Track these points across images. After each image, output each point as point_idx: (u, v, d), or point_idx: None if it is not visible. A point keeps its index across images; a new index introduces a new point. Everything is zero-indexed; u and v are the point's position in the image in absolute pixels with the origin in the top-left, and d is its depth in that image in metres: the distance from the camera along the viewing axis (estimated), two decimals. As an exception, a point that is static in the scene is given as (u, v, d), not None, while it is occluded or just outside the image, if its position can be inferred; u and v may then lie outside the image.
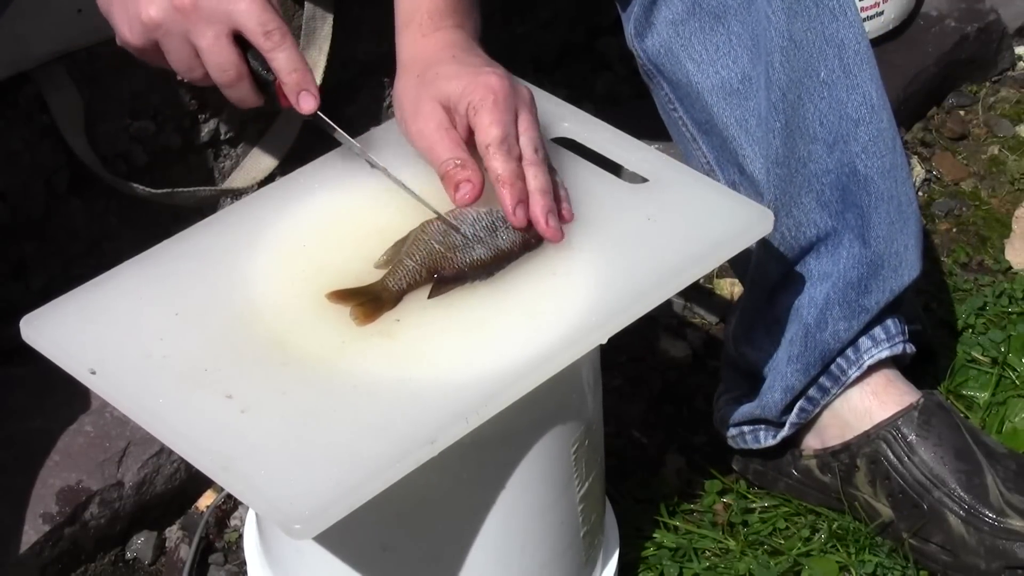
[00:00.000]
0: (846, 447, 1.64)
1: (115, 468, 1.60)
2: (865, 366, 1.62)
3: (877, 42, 2.16)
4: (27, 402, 1.62)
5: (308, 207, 1.40)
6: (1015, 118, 2.27)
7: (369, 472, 1.17)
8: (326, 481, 1.17)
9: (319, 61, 1.78)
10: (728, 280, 1.95)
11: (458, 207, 1.34)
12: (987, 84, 2.33)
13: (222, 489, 1.65)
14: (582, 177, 1.42)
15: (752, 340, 1.65)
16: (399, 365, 1.26)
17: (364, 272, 1.34)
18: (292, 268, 1.35)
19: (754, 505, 1.71)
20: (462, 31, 1.41)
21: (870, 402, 1.63)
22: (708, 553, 1.66)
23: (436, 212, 1.34)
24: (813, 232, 1.57)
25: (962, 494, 1.59)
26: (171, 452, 1.60)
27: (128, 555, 1.64)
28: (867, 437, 1.62)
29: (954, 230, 2.09)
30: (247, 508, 1.62)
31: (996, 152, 2.21)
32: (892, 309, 1.63)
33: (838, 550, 1.65)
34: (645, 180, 1.43)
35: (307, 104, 1.37)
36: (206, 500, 1.68)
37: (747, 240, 1.39)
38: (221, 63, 1.35)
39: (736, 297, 1.90)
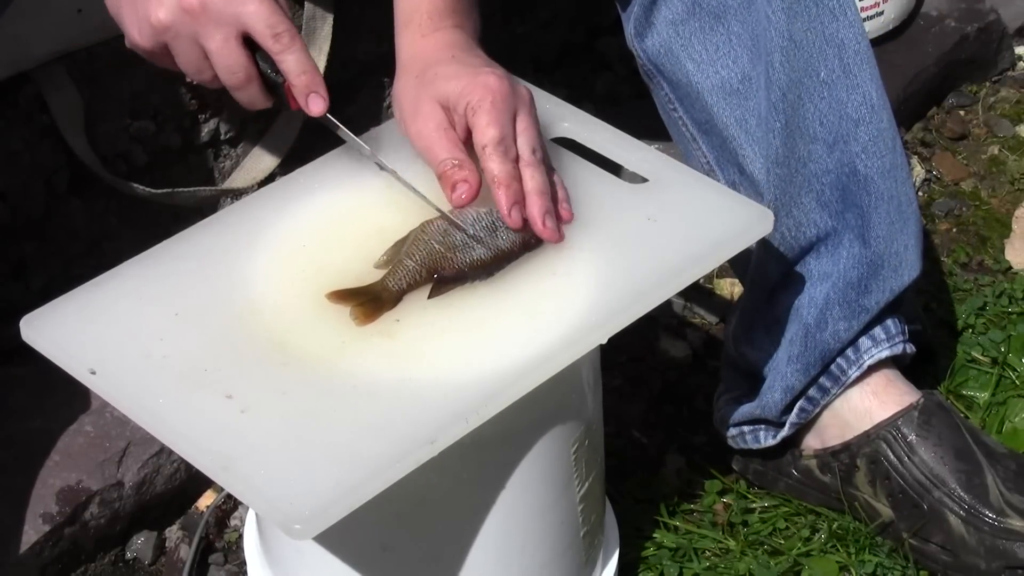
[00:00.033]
0: (846, 447, 1.64)
1: (115, 468, 1.60)
2: (865, 366, 1.62)
3: (877, 42, 2.16)
4: (27, 402, 1.62)
5: (308, 207, 1.40)
6: (1015, 118, 2.27)
7: (369, 472, 1.17)
8: (326, 481, 1.17)
9: (319, 61, 1.78)
10: (728, 280, 1.95)
11: (455, 208, 1.34)
12: (987, 84, 2.33)
13: (222, 489, 1.65)
14: (582, 177, 1.42)
15: (752, 340, 1.65)
16: (399, 365, 1.26)
17: (364, 272, 1.34)
18: (292, 268, 1.35)
19: (754, 505, 1.71)
20: (462, 31, 1.41)
21: (870, 402, 1.63)
22: (708, 553, 1.66)
23: (443, 214, 1.34)
24: (813, 232, 1.57)
25: (962, 494, 1.59)
26: (171, 452, 1.60)
27: (128, 555, 1.64)
28: (867, 437, 1.62)
29: (954, 230, 2.09)
30: (247, 508, 1.62)
31: (996, 152, 2.21)
32: (892, 309, 1.63)
33: (838, 550, 1.65)
34: (645, 180, 1.43)
35: (316, 106, 1.37)
36: (206, 500, 1.68)
37: (747, 240, 1.39)
38: (230, 65, 1.35)
39: (736, 297, 1.90)
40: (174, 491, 1.66)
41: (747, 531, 1.68)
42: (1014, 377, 1.83)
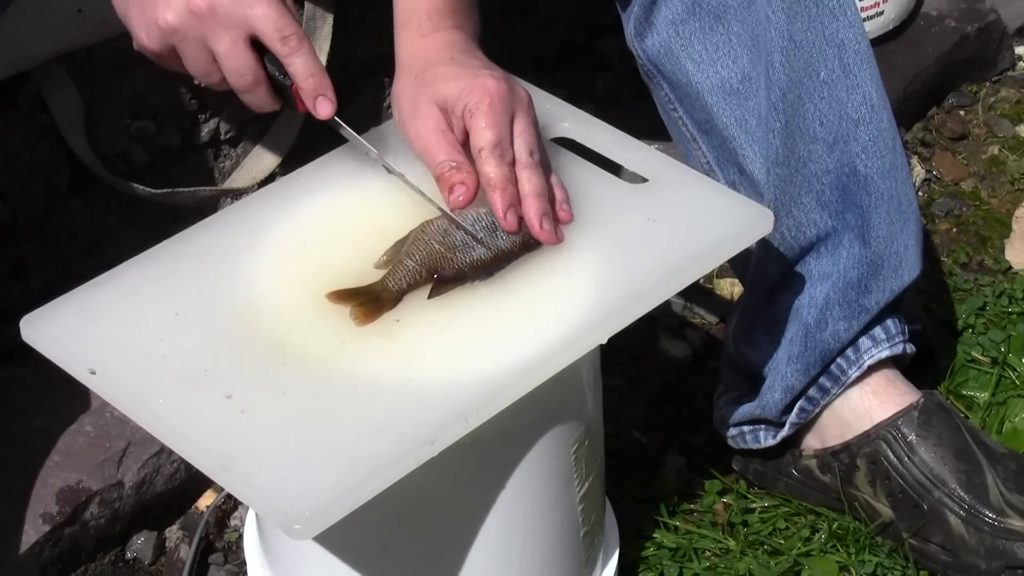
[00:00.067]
0: (846, 447, 1.64)
1: (115, 468, 1.60)
2: (865, 366, 1.62)
3: (877, 42, 2.16)
4: (27, 402, 1.62)
5: (308, 207, 1.40)
6: (1015, 118, 2.27)
7: (369, 472, 1.17)
8: (326, 481, 1.17)
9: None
10: (728, 280, 1.95)
11: (453, 210, 1.34)
12: (987, 84, 2.33)
13: (222, 489, 1.65)
14: (582, 177, 1.42)
15: (752, 340, 1.65)
16: (399, 365, 1.26)
17: (364, 272, 1.34)
18: (292, 268, 1.35)
19: (754, 505, 1.71)
20: (461, 32, 1.41)
21: (870, 402, 1.63)
22: (708, 553, 1.66)
23: (449, 216, 1.34)
24: (813, 232, 1.57)
25: (962, 494, 1.59)
26: (171, 452, 1.60)
27: (128, 555, 1.64)
28: (867, 437, 1.62)
29: (954, 230, 2.09)
30: (247, 508, 1.62)
31: (996, 152, 2.21)
32: (892, 309, 1.63)
33: (838, 550, 1.65)
34: (645, 180, 1.43)
35: (324, 109, 1.37)
36: (206, 500, 1.68)
37: (747, 240, 1.39)
38: (238, 68, 1.35)
39: (736, 297, 1.90)
40: (174, 491, 1.66)
41: (747, 531, 1.68)
42: (1014, 377, 1.83)
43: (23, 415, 1.61)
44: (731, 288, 1.95)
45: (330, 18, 1.80)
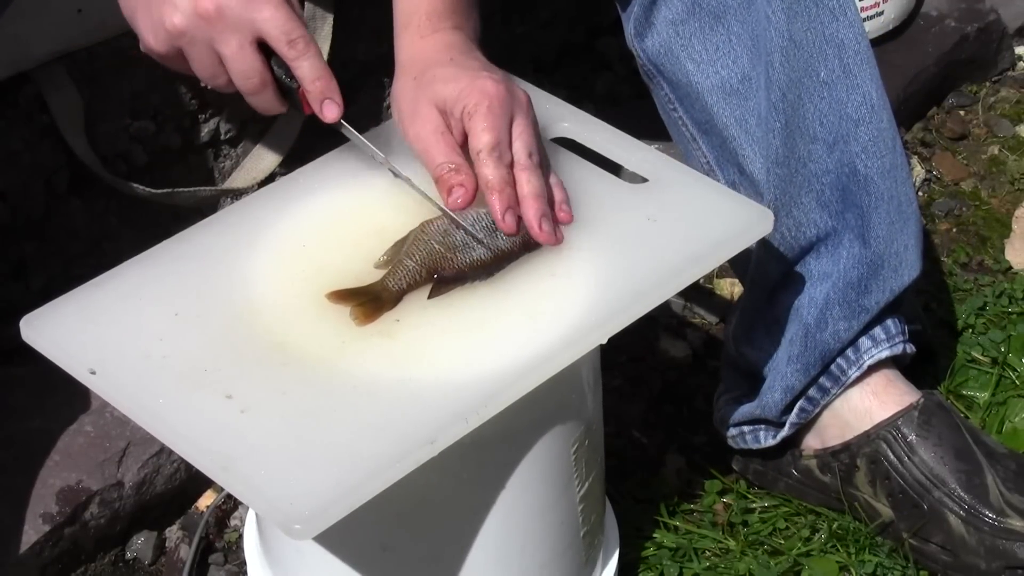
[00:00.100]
0: (846, 447, 1.64)
1: (115, 468, 1.60)
2: (865, 366, 1.62)
3: (877, 42, 2.16)
4: (27, 402, 1.62)
5: (308, 207, 1.40)
6: (1015, 118, 2.27)
7: (369, 472, 1.17)
8: (326, 481, 1.17)
9: (319, 61, 1.78)
10: (728, 280, 1.95)
11: (451, 210, 1.34)
12: (987, 84, 2.33)
13: (222, 489, 1.65)
14: (582, 177, 1.42)
15: (752, 340, 1.65)
16: (399, 365, 1.26)
17: (364, 272, 1.34)
18: (292, 268, 1.35)
19: (754, 505, 1.71)
20: (460, 33, 1.41)
21: (870, 402, 1.63)
22: (708, 553, 1.66)
23: (452, 218, 1.34)
24: (813, 232, 1.57)
25: (962, 494, 1.59)
26: (171, 452, 1.60)
27: (128, 555, 1.64)
28: (867, 437, 1.62)
29: (954, 230, 2.09)
30: (247, 508, 1.62)
31: (996, 152, 2.21)
32: (892, 309, 1.63)
33: (838, 550, 1.65)
34: (645, 180, 1.43)
35: (331, 112, 1.37)
36: (206, 500, 1.68)
37: (747, 240, 1.39)
38: (245, 71, 1.35)
39: (736, 297, 1.90)
40: (174, 491, 1.66)
41: (747, 531, 1.68)
42: (1014, 377, 1.83)
43: (23, 415, 1.61)
44: (731, 288, 1.95)
45: (330, 18, 1.80)
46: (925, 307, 1.90)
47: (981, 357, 1.86)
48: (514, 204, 1.34)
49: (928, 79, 2.24)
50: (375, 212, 1.39)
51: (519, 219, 1.34)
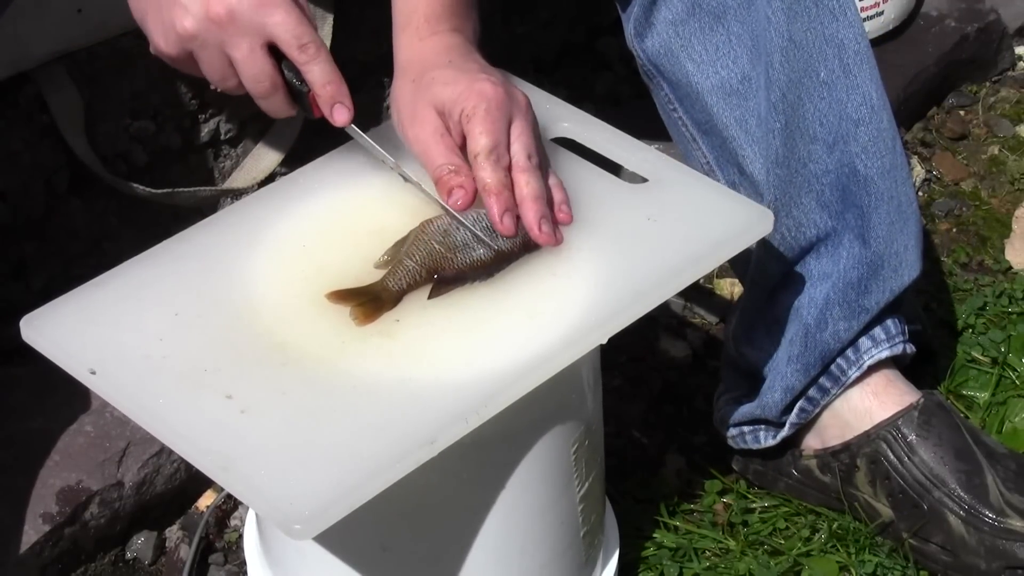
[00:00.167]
0: (846, 447, 1.64)
1: (115, 468, 1.60)
2: (865, 366, 1.62)
3: (877, 42, 2.16)
4: (27, 402, 1.62)
5: (308, 207, 1.40)
6: (1015, 118, 2.27)
7: (369, 472, 1.17)
8: (326, 481, 1.17)
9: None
10: (728, 280, 1.95)
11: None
12: (987, 84, 2.33)
13: (222, 489, 1.65)
14: (582, 177, 1.42)
15: (752, 340, 1.65)
16: (399, 365, 1.26)
17: (364, 272, 1.34)
18: (292, 268, 1.35)
19: (754, 505, 1.71)
20: (459, 35, 1.41)
21: (870, 402, 1.63)
22: (708, 553, 1.66)
23: (461, 221, 1.34)
24: (813, 232, 1.57)
25: (962, 494, 1.59)
26: (171, 452, 1.60)
27: (128, 555, 1.64)
28: (867, 437, 1.62)
29: (954, 230, 2.09)
30: (247, 508, 1.62)
31: (996, 152, 2.21)
32: (892, 309, 1.63)
33: (838, 550, 1.65)
34: (645, 180, 1.43)
35: (341, 116, 1.37)
36: (206, 500, 1.68)
37: (747, 240, 1.39)
38: (256, 74, 1.35)
39: (736, 297, 1.90)
40: (174, 491, 1.66)
41: (747, 531, 1.68)
42: (1014, 377, 1.83)
43: (23, 415, 1.61)
44: (731, 288, 1.95)
45: (330, 18, 1.80)
46: (925, 307, 1.90)
47: (981, 357, 1.86)
48: (512, 206, 1.34)
49: (928, 79, 2.24)
50: (375, 212, 1.39)
51: (518, 220, 1.34)
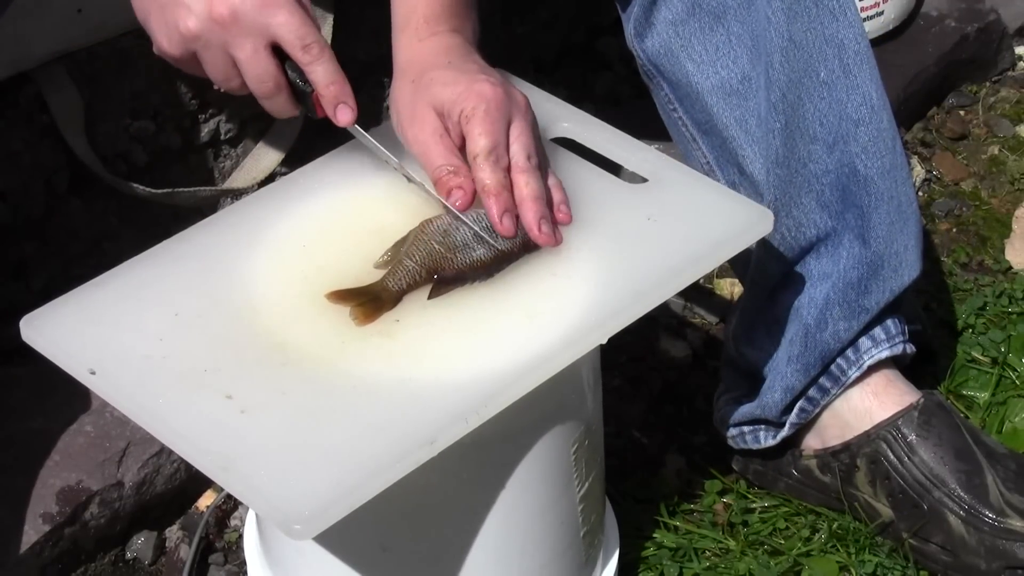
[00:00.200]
0: (846, 447, 1.64)
1: (115, 468, 1.60)
2: (865, 366, 1.62)
3: (877, 42, 2.16)
4: (27, 402, 1.62)
5: (308, 207, 1.40)
6: (1015, 118, 2.27)
7: (369, 472, 1.17)
8: (326, 481, 1.17)
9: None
10: (728, 280, 1.95)
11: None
12: (987, 84, 2.33)
13: (222, 489, 1.65)
14: (582, 177, 1.42)
15: (752, 340, 1.65)
16: (399, 365, 1.26)
17: (364, 272, 1.34)
18: (292, 268, 1.35)
19: (754, 505, 1.71)
20: (458, 36, 1.41)
21: (870, 402, 1.63)
22: (708, 553, 1.66)
23: (464, 220, 1.34)
24: (813, 232, 1.57)
25: (962, 494, 1.59)
26: (171, 452, 1.60)
27: (128, 555, 1.64)
28: (867, 437, 1.62)
29: (954, 230, 2.09)
30: (247, 508, 1.62)
31: (996, 152, 2.21)
32: (892, 309, 1.63)
33: (838, 550, 1.65)
34: (645, 180, 1.43)
35: (344, 117, 1.37)
36: (206, 500, 1.68)
37: (747, 240, 1.39)
38: (259, 75, 1.35)
39: (736, 297, 1.90)
40: (174, 491, 1.66)
41: (747, 531, 1.68)
42: (1014, 377, 1.83)
43: (23, 415, 1.61)
44: (731, 288, 1.95)
45: (330, 18, 1.80)
46: (925, 307, 1.90)
47: (981, 357, 1.86)
48: (511, 207, 1.34)
49: (928, 79, 2.24)
50: (375, 212, 1.39)
51: (517, 221, 1.34)
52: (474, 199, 1.34)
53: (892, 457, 1.61)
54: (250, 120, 1.83)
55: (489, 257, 1.33)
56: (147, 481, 1.63)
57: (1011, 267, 2.02)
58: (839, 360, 1.62)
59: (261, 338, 1.28)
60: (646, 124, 1.67)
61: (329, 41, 1.79)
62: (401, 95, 1.39)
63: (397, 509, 1.30)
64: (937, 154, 2.21)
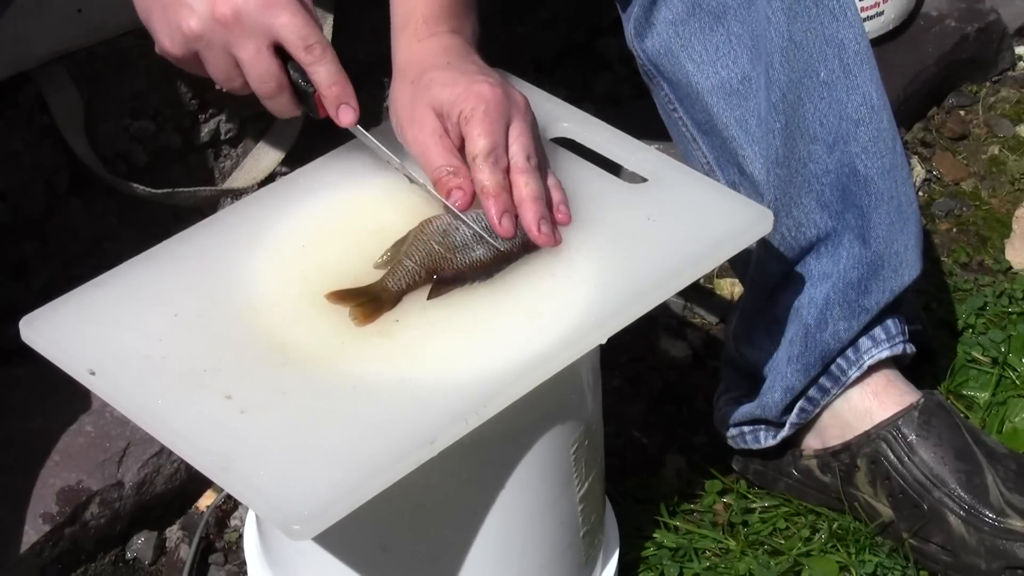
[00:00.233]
0: (846, 447, 1.64)
1: (115, 468, 1.60)
2: (865, 366, 1.62)
3: (877, 42, 2.16)
4: (27, 402, 1.62)
5: (308, 207, 1.40)
6: (1015, 118, 2.27)
7: (369, 472, 1.17)
8: (326, 481, 1.17)
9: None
10: (728, 280, 1.95)
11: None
12: (987, 84, 2.33)
13: (222, 489, 1.65)
14: (581, 177, 1.42)
15: (752, 340, 1.65)
16: (398, 365, 1.26)
17: (364, 272, 1.34)
18: (292, 268, 1.35)
19: (754, 505, 1.71)
20: (458, 36, 1.41)
21: (870, 402, 1.63)
22: (708, 553, 1.66)
23: (465, 220, 1.34)
24: (813, 232, 1.57)
25: (962, 494, 1.59)
26: (171, 452, 1.60)
27: (128, 555, 1.64)
28: (867, 437, 1.62)
29: (954, 230, 2.09)
30: (247, 508, 1.62)
31: (996, 152, 2.21)
32: (892, 309, 1.63)
33: (838, 550, 1.65)
34: (645, 180, 1.43)
35: (347, 117, 1.37)
36: (206, 500, 1.68)
37: (747, 240, 1.39)
38: (262, 75, 1.35)
39: (736, 297, 1.90)
40: (174, 491, 1.66)
41: (747, 531, 1.68)
42: (1014, 377, 1.83)
43: (23, 415, 1.61)
44: (731, 288, 1.95)
45: (330, 18, 1.80)
46: (925, 307, 1.90)
47: (981, 357, 1.86)
48: (510, 208, 1.34)
49: (928, 79, 2.24)
50: (375, 212, 1.39)
51: (517, 222, 1.34)
52: (474, 199, 1.34)
53: (892, 457, 1.61)
54: (250, 120, 1.83)
55: (489, 257, 1.33)
56: (147, 481, 1.63)
57: (1011, 267, 2.02)
58: (839, 360, 1.62)
59: (261, 338, 1.28)
60: (646, 124, 1.67)
61: (329, 41, 1.79)
62: (400, 96, 1.39)
63: (397, 509, 1.30)
64: (937, 154, 2.21)
